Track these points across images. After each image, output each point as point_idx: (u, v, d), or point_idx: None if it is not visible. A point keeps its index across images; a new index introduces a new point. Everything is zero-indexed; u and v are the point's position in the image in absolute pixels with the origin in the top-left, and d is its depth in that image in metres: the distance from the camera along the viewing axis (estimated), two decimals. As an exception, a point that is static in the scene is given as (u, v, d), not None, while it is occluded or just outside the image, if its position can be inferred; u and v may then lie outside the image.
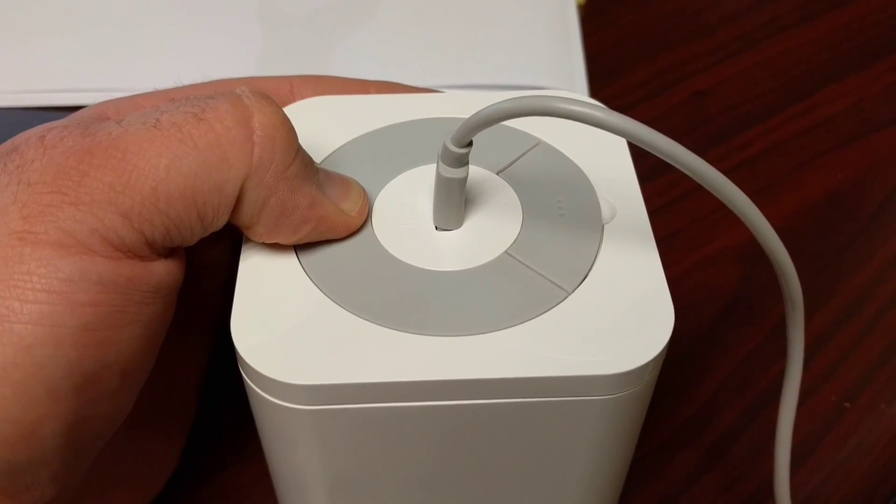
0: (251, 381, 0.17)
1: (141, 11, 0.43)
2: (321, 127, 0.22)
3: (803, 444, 0.27)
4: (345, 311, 0.18)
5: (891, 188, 0.36)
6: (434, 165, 0.18)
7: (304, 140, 0.21)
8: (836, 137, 0.38)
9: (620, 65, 0.41)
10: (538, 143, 0.21)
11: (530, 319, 0.18)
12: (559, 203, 0.20)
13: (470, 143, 0.18)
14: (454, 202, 0.19)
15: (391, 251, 0.19)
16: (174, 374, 0.24)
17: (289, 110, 0.22)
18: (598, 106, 0.16)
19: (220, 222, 0.18)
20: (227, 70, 0.39)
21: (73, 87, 0.39)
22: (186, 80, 0.38)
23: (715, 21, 0.44)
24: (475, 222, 0.19)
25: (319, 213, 0.18)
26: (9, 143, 0.17)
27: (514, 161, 0.21)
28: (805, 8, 0.45)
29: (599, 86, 0.40)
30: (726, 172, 0.33)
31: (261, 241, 0.19)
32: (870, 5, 0.45)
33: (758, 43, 0.43)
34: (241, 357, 0.17)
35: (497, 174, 0.21)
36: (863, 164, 0.37)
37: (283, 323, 0.17)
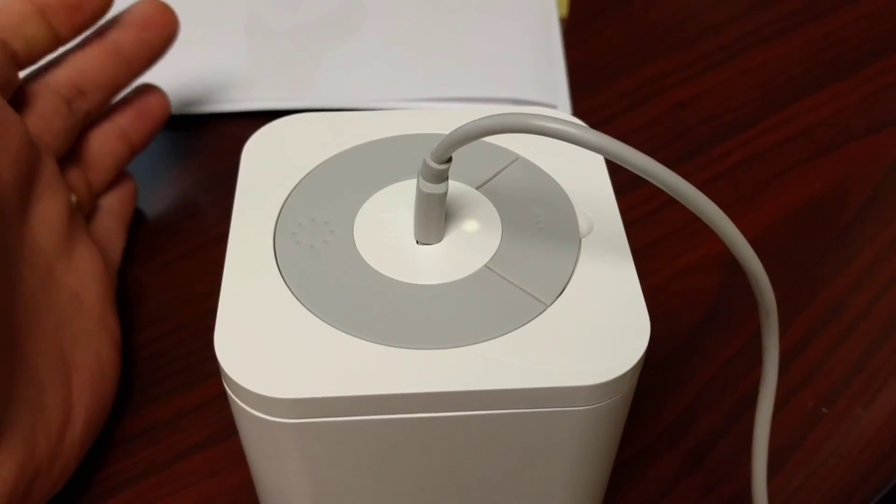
0: (235, 395, 0.17)
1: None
2: (303, 143, 0.22)
3: (781, 448, 0.27)
4: (327, 325, 0.18)
5: (868, 196, 0.36)
6: (415, 181, 0.19)
7: (286, 156, 0.22)
8: (815, 147, 0.39)
9: (602, 77, 0.42)
10: (517, 158, 0.22)
11: (510, 332, 0.18)
12: (537, 217, 0.20)
13: (449, 160, 0.18)
14: (434, 217, 0.19)
15: (373, 265, 0.19)
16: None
17: (271, 126, 0.23)
18: (573, 123, 0.17)
19: None
20: (215, 83, 0.40)
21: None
22: (170, 94, 0.38)
23: (695, 33, 0.45)
24: (455, 236, 0.20)
25: None
26: None
27: (494, 176, 0.21)
28: (783, 20, 0.46)
29: (581, 97, 0.40)
30: (707, 182, 0.33)
31: None
32: (846, 18, 0.46)
33: (737, 55, 0.44)
34: (224, 372, 0.17)
35: (477, 189, 0.21)
36: (840, 173, 0.37)
37: (265, 337, 0.18)
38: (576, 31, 0.44)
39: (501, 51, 0.42)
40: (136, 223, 0.34)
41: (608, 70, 0.42)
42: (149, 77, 0.40)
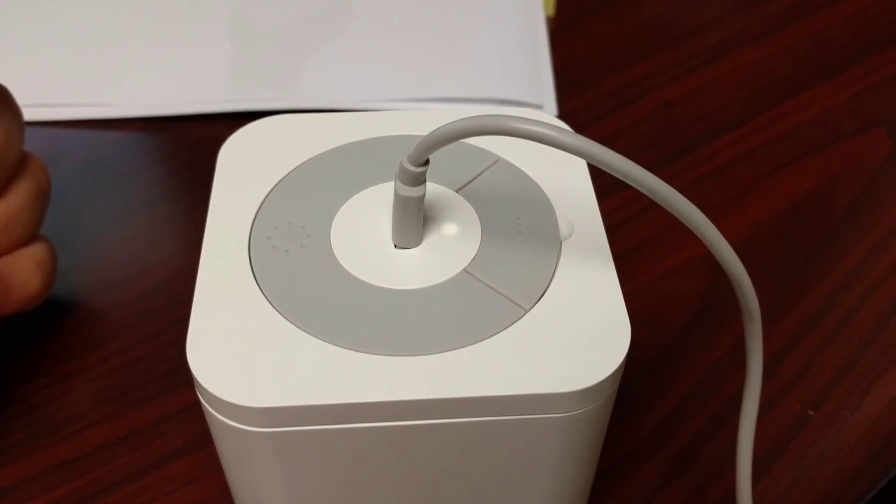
0: (208, 404, 0.17)
1: (110, 27, 0.42)
2: (280, 145, 0.22)
3: (768, 451, 0.27)
4: (302, 332, 0.18)
5: (856, 196, 0.36)
6: (393, 183, 0.18)
7: (263, 158, 0.22)
8: (803, 147, 0.38)
9: (589, 76, 0.42)
10: (497, 160, 0.22)
11: (488, 337, 0.18)
12: (518, 220, 0.20)
13: (427, 162, 0.18)
14: (412, 220, 0.19)
15: (350, 270, 0.19)
16: None
17: (248, 129, 0.22)
18: (552, 126, 0.16)
19: None
20: (196, 84, 0.39)
21: (42, 103, 0.38)
22: (153, 95, 0.38)
23: (683, 33, 0.45)
24: (434, 240, 0.19)
25: None
26: None
27: (474, 178, 0.21)
28: (771, 20, 0.46)
29: (568, 97, 0.40)
30: (694, 182, 0.33)
31: None
32: (835, 17, 0.46)
33: (725, 54, 0.43)
34: (196, 380, 0.17)
35: (456, 191, 0.21)
36: (828, 174, 0.37)
37: (239, 345, 0.17)
38: (562, 31, 0.44)
39: (487, 51, 0.41)
40: (114, 226, 0.34)
41: (595, 70, 0.42)
42: (129, 79, 0.40)
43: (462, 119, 0.17)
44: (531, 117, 0.16)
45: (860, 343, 0.30)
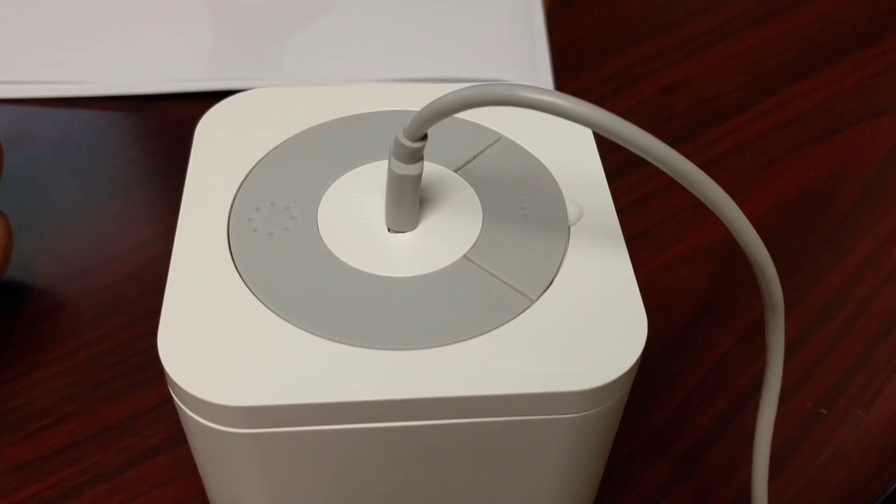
0: (182, 402, 0.16)
1: (88, 2, 0.41)
2: (265, 119, 0.21)
3: (779, 451, 0.26)
4: (286, 324, 0.16)
5: (864, 185, 0.35)
6: (386, 161, 0.17)
7: (243, 134, 0.20)
8: (808, 134, 0.37)
9: (587, 59, 0.40)
10: (499, 138, 0.20)
11: (491, 331, 0.16)
12: (522, 203, 0.19)
13: (424, 137, 0.16)
14: (408, 202, 0.18)
15: (339, 255, 0.18)
16: None
17: (227, 103, 0.21)
18: (563, 94, 0.15)
19: None
20: (176, 62, 0.38)
21: (11, 80, 0.37)
22: (130, 72, 0.36)
23: (683, 15, 0.43)
24: (431, 224, 0.18)
25: None
26: None
27: (474, 157, 0.20)
28: (775, 2, 0.45)
29: (565, 80, 0.39)
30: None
31: None
32: (840, 0, 0.45)
33: (727, 37, 0.42)
34: (169, 376, 0.15)
35: (455, 171, 0.19)
36: (835, 161, 0.36)
37: (216, 337, 0.16)
38: (559, 12, 0.43)
39: (481, 31, 0.40)
40: (86, 210, 0.32)
41: (593, 52, 0.41)
42: (110, 57, 0.38)
43: (464, 88, 0.15)
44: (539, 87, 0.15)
45: (872, 338, 0.29)
